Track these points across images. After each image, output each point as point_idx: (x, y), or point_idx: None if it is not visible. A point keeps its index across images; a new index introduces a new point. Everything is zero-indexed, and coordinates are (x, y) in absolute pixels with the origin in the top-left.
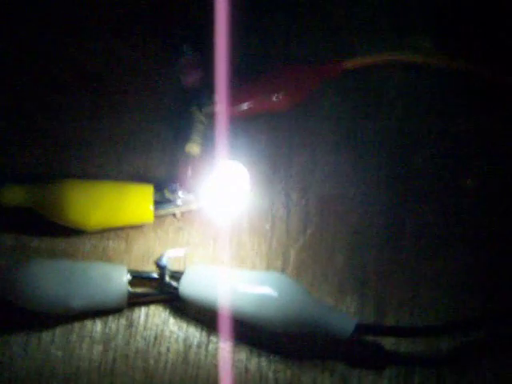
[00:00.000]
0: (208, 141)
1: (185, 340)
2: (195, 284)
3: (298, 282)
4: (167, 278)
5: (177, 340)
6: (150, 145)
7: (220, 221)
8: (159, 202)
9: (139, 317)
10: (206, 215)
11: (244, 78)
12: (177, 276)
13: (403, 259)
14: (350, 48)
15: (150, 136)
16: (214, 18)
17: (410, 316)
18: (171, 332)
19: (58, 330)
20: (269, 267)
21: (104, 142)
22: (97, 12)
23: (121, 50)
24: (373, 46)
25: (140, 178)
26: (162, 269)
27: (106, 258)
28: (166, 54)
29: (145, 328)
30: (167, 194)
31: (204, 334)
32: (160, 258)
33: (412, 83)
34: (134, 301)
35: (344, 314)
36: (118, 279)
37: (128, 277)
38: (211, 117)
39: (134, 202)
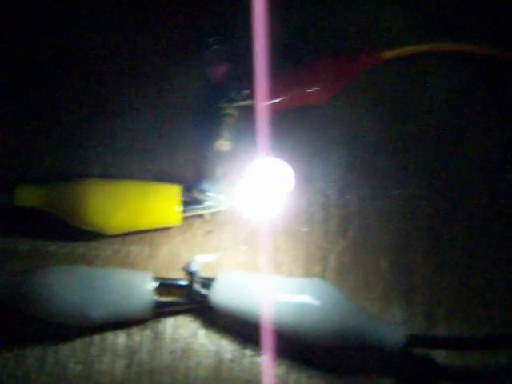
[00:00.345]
0: (239, 136)
1: (216, 354)
2: (228, 292)
3: (340, 289)
4: (196, 286)
5: (207, 354)
6: (175, 142)
7: (254, 223)
8: (187, 203)
9: (166, 328)
10: (239, 217)
11: (277, 69)
12: (207, 283)
13: (453, 264)
14: (387, 38)
15: (174, 133)
16: (244, 9)
17: (461, 326)
18: (201, 345)
19: (78, 343)
20: (307, 273)
21: (125, 139)
22: (118, 3)
23: (143, 42)
24: (411, 35)
25: (165, 177)
26: (190, 276)
27: (128, 263)
28: (191, 47)
29: (172, 340)
30: (196, 194)
31: (237, 346)
32: (189, 264)
33: (453, 75)
34: (160, 310)
35: (392, 325)
36: (143, 287)
37: (153, 284)
38: (242, 110)
39: (159, 203)
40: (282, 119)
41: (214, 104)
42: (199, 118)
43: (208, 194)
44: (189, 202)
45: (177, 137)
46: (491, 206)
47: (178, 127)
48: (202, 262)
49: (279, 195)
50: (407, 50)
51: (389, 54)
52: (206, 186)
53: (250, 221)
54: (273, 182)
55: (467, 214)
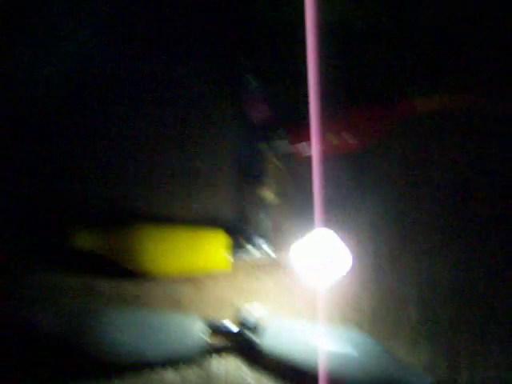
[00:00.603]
0: (283, 184)
1: None
2: (275, 338)
3: (374, 338)
4: (246, 331)
5: None
6: (217, 182)
7: (301, 276)
8: (235, 250)
9: (215, 368)
10: (286, 267)
11: (315, 117)
12: (256, 329)
13: (473, 316)
14: (420, 90)
15: (216, 172)
16: (290, 53)
17: (483, 371)
18: None
19: (128, 376)
20: (344, 318)
21: (169, 178)
22: (162, 35)
23: (184, 79)
24: (442, 89)
25: (208, 216)
26: (241, 323)
27: (178, 304)
28: (232, 87)
29: (224, 380)
30: (243, 243)
31: None
32: (240, 312)
33: (483, 129)
34: (212, 352)
35: (421, 372)
36: (195, 330)
37: (205, 328)
38: (283, 156)
39: (209, 250)
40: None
41: (255, 145)
42: (240, 158)
43: (255, 243)
44: (237, 249)
45: (218, 177)
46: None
47: (219, 167)
48: (252, 312)
49: (332, 266)
50: (440, 102)
51: (423, 106)
52: (252, 235)
53: (296, 272)
54: (328, 254)
55: (487, 266)
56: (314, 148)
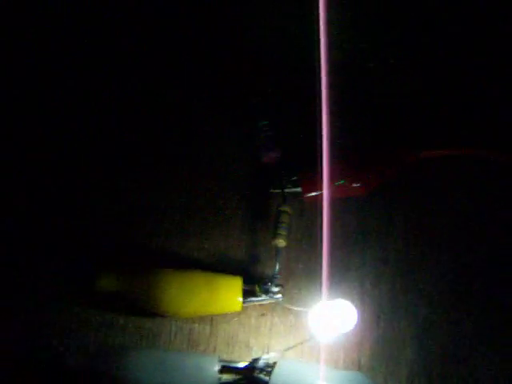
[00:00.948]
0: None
1: None
2: (284, 380)
3: (373, 381)
4: (258, 372)
5: None
6: (229, 223)
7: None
8: (248, 294)
9: None
10: (290, 305)
11: (327, 164)
12: (267, 370)
13: (466, 355)
14: (424, 139)
15: (228, 213)
16: (300, 96)
17: None
18: None
19: None
20: (345, 356)
21: (184, 217)
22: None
23: (197, 123)
24: (446, 138)
25: (220, 256)
26: (253, 363)
27: (191, 340)
28: (244, 131)
29: None
30: (258, 291)
31: None
32: (256, 361)
33: (482, 179)
34: None
35: None
36: (210, 369)
37: (219, 367)
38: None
39: (224, 295)
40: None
41: (266, 188)
42: (251, 200)
43: (269, 289)
44: (249, 291)
45: (231, 218)
46: (501, 310)
47: (232, 209)
48: (262, 351)
49: (341, 330)
50: (445, 151)
51: (427, 154)
52: (269, 286)
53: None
54: (336, 321)
55: (476, 313)
56: (325, 195)
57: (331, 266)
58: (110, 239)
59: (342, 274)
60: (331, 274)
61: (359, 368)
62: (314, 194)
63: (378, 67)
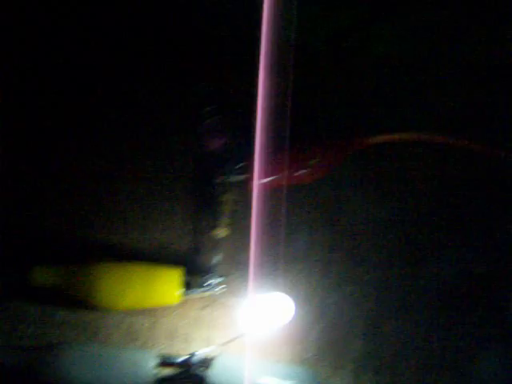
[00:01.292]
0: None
1: None
2: (222, 375)
3: (316, 375)
4: (196, 367)
5: None
6: (173, 211)
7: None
8: (187, 286)
9: None
10: (232, 296)
11: (270, 151)
12: (205, 364)
13: (416, 346)
14: (372, 125)
15: (172, 202)
16: (245, 81)
17: None
18: None
19: None
20: (290, 351)
21: (127, 207)
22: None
23: (139, 112)
24: (395, 124)
25: (162, 246)
26: (191, 357)
27: (131, 333)
28: (189, 117)
29: None
30: (196, 284)
31: None
32: (191, 356)
33: (431, 164)
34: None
35: None
36: (147, 364)
37: (156, 361)
38: (236, 186)
39: (163, 288)
40: (271, 196)
41: (210, 176)
42: (195, 189)
43: (207, 281)
44: (188, 283)
45: (174, 207)
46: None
47: (176, 197)
48: (202, 356)
49: (278, 322)
50: (393, 136)
51: (375, 140)
52: (208, 277)
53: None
54: (273, 314)
55: (427, 309)
56: (258, 182)
57: (275, 258)
58: (49, 233)
59: (287, 267)
60: (275, 266)
61: (303, 362)
62: (261, 181)
63: (329, 51)
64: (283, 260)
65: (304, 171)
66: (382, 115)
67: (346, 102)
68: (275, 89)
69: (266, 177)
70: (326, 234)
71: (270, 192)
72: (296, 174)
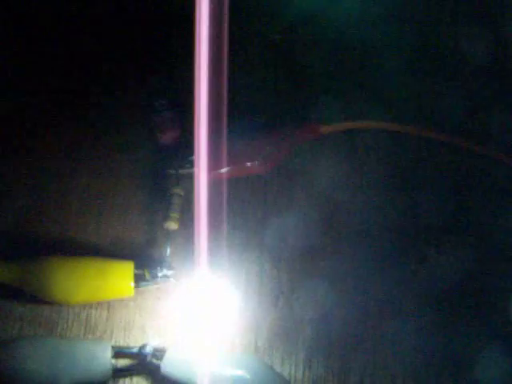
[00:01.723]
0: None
1: None
2: (175, 364)
3: (268, 365)
4: (149, 357)
5: None
6: (128, 205)
7: (196, 302)
8: (140, 279)
9: None
10: (185, 287)
11: (224, 140)
12: (158, 355)
13: (367, 332)
14: (329, 113)
15: (127, 197)
16: (196, 75)
17: None
18: None
19: None
20: (242, 339)
21: (81, 202)
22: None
23: (93, 104)
24: (351, 112)
25: (118, 240)
26: (144, 354)
27: (88, 326)
28: (142, 110)
29: None
30: (147, 276)
31: None
32: (143, 347)
33: (384, 149)
34: (119, 374)
35: None
36: (102, 356)
37: (112, 352)
38: (188, 179)
39: (115, 280)
40: (222, 186)
41: (164, 169)
42: (150, 182)
43: (158, 274)
44: (141, 276)
45: (129, 201)
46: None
47: (130, 191)
48: (154, 346)
49: (224, 309)
50: (345, 125)
51: (327, 129)
52: (157, 270)
53: (193, 297)
54: (216, 299)
55: (379, 283)
56: (203, 169)
57: (229, 246)
58: (2, 228)
59: (241, 255)
60: (229, 255)
61: (256, 350)
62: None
63: (283, 39)
64: (234, 250)
65: (256, 162)
66: (335, 103)
67: (297, 90)
68: (219, 79)
69: (214, 169)
70: (278, 224)
71: (218, 183)
72: (247, 164)
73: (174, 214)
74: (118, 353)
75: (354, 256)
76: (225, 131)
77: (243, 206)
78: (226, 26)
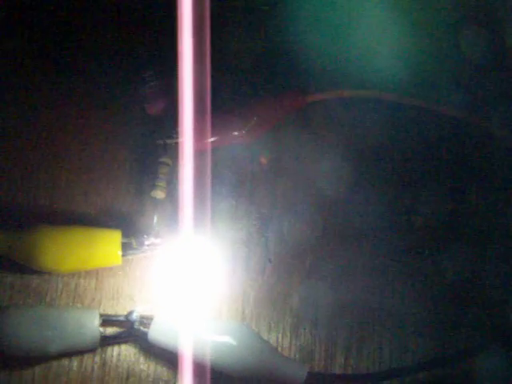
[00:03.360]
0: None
1: (154, 379)
2: (162, 331)
3: (255, 332)
4: (137, 325)
5: (147, 378)
6: (116, 174)
7: (184, 267)
8: (127, 247)
9: (112, 356)
10: (171, 256)
11: (210, 109)
12: (146, 322)
13: (354, 300)
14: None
15: (115, 165)
16: (179, 44)
17: (357, 358)
18: (141, 370)
19: (37, 369)
20: (229, 307)
21: (71, 171)
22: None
23: (83, 76)
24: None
25: (106, 210)
26: (133, 315)
27: (77, 295)
28: (130, 81)
29: (117, 366)
30: (135, 245)
31: (170, 372)
32: (130, 314)
33: (368, 117)
34: (107, 342)
35: (297, 364)
36: (90, 324)
37: (99, 320)
38: (175, 148)
39: (103, 249)
40: (212, 156)
41: (152, 139)
42: (138, 151)
43: (145, 243)
44: (128, 244)
45: (118, 170)
46: (391, 247)
47: (118, 161)
48: (141, 313)
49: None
50: (331, 93)
51: (314, 97)
52: (143, 238)
53: (180, 264)
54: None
55: (370, 253)
56: (189, 138)
57: (217, 215)
58: None
59: (228, 223)
60: (216, 223)
61: (243, 318)
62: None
63: (270, 10)
64: (221, 218)
65: (242, 131)
66: (324, 72)
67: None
68: (203, 48)
69: (200, 138)
70: (265, 190)
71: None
72: (234, 133)
73: (161, 183)
74: (106, 321)
75: (340, 218)
76: (209, 101)
77: (231, 175)
78: None
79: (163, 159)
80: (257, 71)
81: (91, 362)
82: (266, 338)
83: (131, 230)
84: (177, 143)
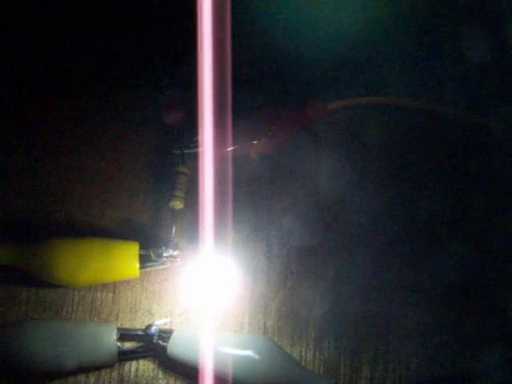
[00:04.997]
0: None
1: None
2: (182, 345)
3: (278, 346)
4: (155, 339)
5: None
6: (133, 187)
7: (204, 280)
8: (145, 259)
9: (130, 371)
10: (192, 268)
11: (230, 119)
12: (165, 336)
13: (378, 311)
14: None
15: (132, 178)
16: (199, 52)
17: (384, 371)
18: None
19: None
20: (251, 320)
21: (87, 184)
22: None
23: (101, 87)
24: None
25: (124, 222)
26: (152, 329)
27: (94, 309)
28: (147, 90)
29: (135, 382)
30: (153, 256)
31: None
32: (148, 328)
33: (389, 125)
34: (124, 357)
35: (321, 378)
36: (108, 338)
37: (117, 335)
38: (193, 158)
39: (120, 261)
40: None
41: (170, 150)
42: (156, 164)
43: (164, 255)
44: (146, 256)
45: (134, 181)
46: (410, 264)
47: (136, 171)
48: (160, 325)
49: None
50: (351, 101)
51: (334, 105)
52: (162, 250)
53: (200, 277)
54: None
55: (389, 269)
56: (209, 148)
57: (237, 226)
58: (9, 210)
59: (249, 234)
60: (237, 234)
61: (265, 331)
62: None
63: (287, 19)
64: (242, 229)
65: (262, 140)
66: (341, 80)
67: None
68: (224, 57)
69: (220, 147)
70: (286, 201)
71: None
72: (253, 143)
73: (180, 194)
74: (124, 335)
75: (363, 228)
76: (230, 110)
77: (251, 184)
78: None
79: (181, 169)
80: (273, 80)
81: (108, 377)
82: (288, 351)
83: (149, 242)
84: (195, 153)
